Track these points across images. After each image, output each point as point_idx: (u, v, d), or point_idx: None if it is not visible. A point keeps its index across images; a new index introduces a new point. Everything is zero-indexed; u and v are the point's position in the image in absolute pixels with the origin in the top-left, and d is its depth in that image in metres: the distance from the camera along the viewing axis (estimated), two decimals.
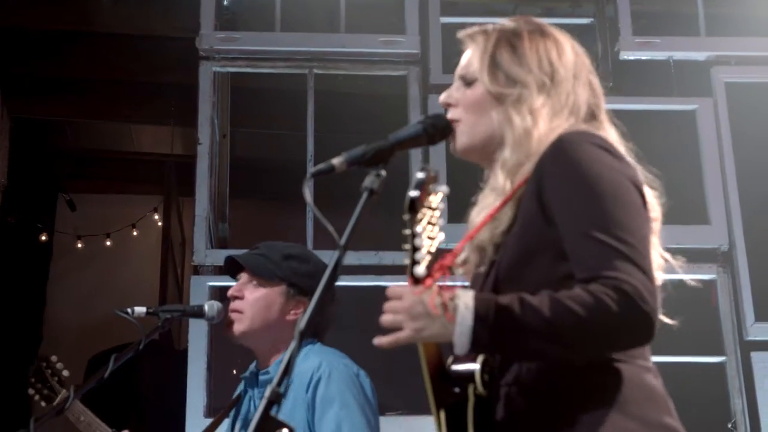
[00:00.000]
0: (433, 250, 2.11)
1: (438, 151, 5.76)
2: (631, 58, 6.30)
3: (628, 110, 6.07)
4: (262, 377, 3.61)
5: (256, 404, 3.62)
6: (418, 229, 2.11)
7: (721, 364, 5.80)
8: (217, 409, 5.68)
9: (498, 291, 2.27)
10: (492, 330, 2.10)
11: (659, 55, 6.34)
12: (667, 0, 6.88)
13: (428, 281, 2.13)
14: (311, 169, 2.24)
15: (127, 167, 10.92)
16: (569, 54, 2.50)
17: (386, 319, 2.19)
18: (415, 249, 2.11)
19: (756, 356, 5.76)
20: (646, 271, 2.12)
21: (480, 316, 2.10)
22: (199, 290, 5.71)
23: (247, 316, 3.61)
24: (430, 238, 2.12)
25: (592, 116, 2.47)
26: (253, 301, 3.62)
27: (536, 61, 2.45)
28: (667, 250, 2.45)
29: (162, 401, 4.27)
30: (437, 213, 2.16)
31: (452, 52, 2.60)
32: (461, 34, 2.59)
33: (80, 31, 7.66)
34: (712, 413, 5.86)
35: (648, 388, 2.22)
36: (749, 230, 5.95)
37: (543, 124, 2.37)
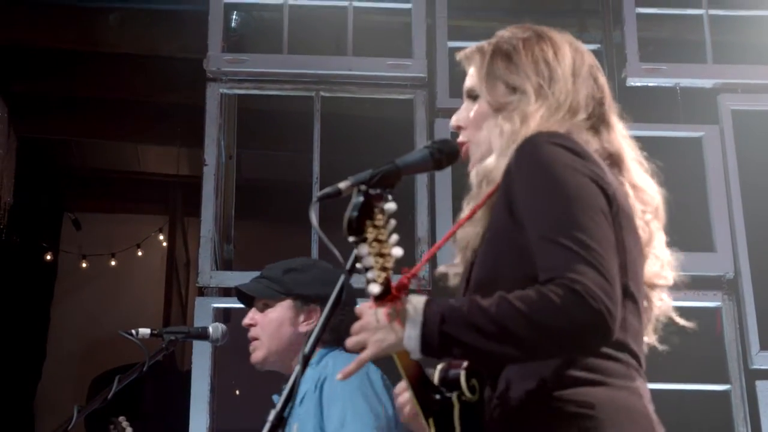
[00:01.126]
0: (388, 265, 2.07)
1: (443, 172, 5.78)
2: (638, 84, 6.31)
3: (635, 136, 6.06)
4: (278, 397, 3.59)
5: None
6: (363, 250, 2.08)
7: (725, 393, 5.78)
8: (220, 431, 5.68)
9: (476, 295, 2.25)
10: (440, 332, 2.08)
11: (666, 82, 6.34)
12: (675, 27, 6.88)
13: (388, 299, 2.11)
14: (317, 192, 2.25)
15: (133, 187, 10.94)
16: (567, 52, 2.47)
17: (350, 341, 2.21)
18: (367, 269, 2.08)
19: (761, 385, 5.74)
20: (603, 272, 2.07)
21: (428, 320, 2.09)
22: (204, 312, 5.71)
23: (263, 342, 3.64)
24: (381, 255, 2.08)
25: (595, 113, 2.44)
26: (265, 325, 3.65)
27: (532, 65, 2.43)
28: (672, 278, 2.44)
29: (165, 422, 4.26)
30: (388, 229, 2.11)
31: (459, 76, 2.59)
32: (459, 55, 2.59)
33: (87, 51, 7.69)
34: None
35: (630, 411, 2.18)
36: (755, 258, 5.94)
37: (533, 126, 2.34)
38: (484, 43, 2.54)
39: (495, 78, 2.46)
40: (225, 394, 5.77)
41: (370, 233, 2.05)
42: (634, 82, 6.29)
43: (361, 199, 2.07)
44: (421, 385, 2.23)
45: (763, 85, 6.31)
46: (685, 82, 6.34)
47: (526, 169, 2.23)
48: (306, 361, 2.06)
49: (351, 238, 2.05)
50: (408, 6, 6.39)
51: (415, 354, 2.11)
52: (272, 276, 3.70)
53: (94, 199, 11.02)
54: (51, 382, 10.12)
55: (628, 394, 2.20)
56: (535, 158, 2.23)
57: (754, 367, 5.78)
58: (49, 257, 10.66)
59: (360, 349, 2.18)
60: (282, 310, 3.65)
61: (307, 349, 2.09)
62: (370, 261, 2.06)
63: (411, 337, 2.09)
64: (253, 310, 3.70)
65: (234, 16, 6.69)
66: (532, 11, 6.94)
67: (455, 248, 2.45)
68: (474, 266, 2.35)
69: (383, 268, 2.08)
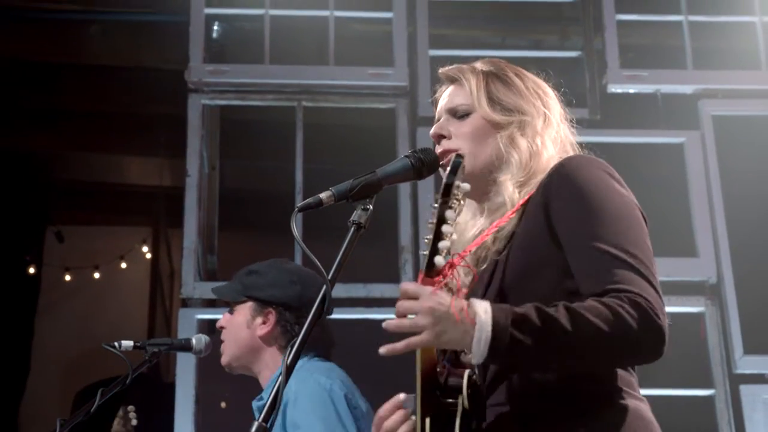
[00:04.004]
0: (449, 245, 2.08)
1: (426, 181, 5.78)
2: (619, 91, 6.33)
3: (616, 143, 6.09)
4: (256, 403, 3.56)
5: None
6: (449, 214, 2.09)
7: (710, 397, 5.80)
8: None
9: (502, 300, 2.27)
10: (511, 339, 2.06)
11: (647, 88, 6.36)
12: (655, 33, 6.91)
13: (440, 276, 2.11)
14: (299, 203, 2.25)
15: (116, 199, 10.89)
16: (551, 93, 2.58)
17: (403, 323, 2.07)
18: (438, 238, 2.07)
19: (745, 389, 5.76)
20: (657, 288, 2.15)
21: (498, 325, 2.06)
22: (188, 323, 5.70)
23: (227, 345, 3.64)
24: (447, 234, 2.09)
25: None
26: (228, 327, 3.64)
27: (529, 92, 2.52)
28: None
29: None
30: (461, 207, 2.15)
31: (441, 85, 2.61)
32: (446, 70, 2.62)
33: (69, 63, 7.68)
34: None
35: (647, 421, 2.23)
36: (737, 263, 5.95)
37: (550, 145, 2.46)
38: (474, 65, 2.59)
39: (493, 99, 2.51)
40: (210, 406, 5.74)
41: (453, 204, 2.09)
42: (615, 88, 6.30)
43: (460, 161, 2.11)
44: (430, 385, 2.21)
45: (744, 90, 6.34)
46: (666, 88, 6.37)
47: (573, 188, 2.28)
48: (289, 372, 2.06)
49: (436, 204, 2.07)
50: (389, 15, 6.40)
51: (477, 358, 2.08)
52: (237, 279, 3.70)
53: (76, 212, 10.98)
54: (35, 396, 10.08)
55: (641, 404, 2.26)
56: (582, 178, 2.29)
57: (738, 371, 5.80)
58: (32, 270, 10.61)
59: (405, 330, 2.07)
60: (242, 313, 3.63)
61: (289, 360, 2.09)
62: (448, 229, 2.07)
63: (480, 340, 2.05)
64: (226, 312, 3.71)
65: (215, 27, 6.69)
66: (514, 20, 6.96)
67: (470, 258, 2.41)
68: (497, 270, 2.35)
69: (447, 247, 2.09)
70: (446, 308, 2.04)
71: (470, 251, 2.33)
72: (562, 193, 2.28)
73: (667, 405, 5.68)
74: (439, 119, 2.58)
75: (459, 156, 2.17)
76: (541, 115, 2.49)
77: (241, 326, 3.61)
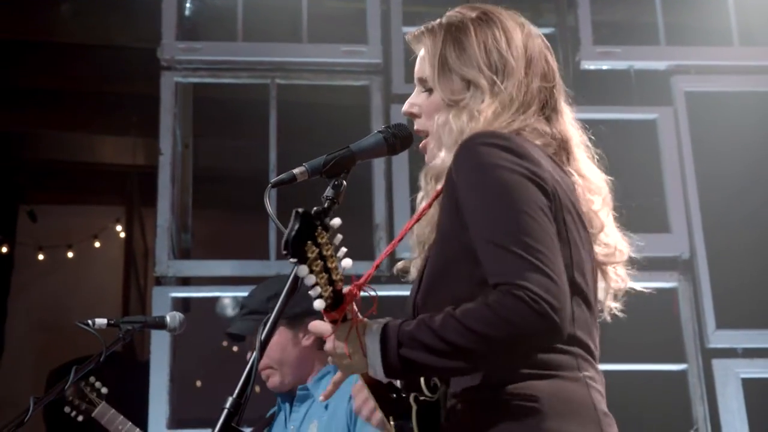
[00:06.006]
0: (336, 278, 2.05)
1: (400, 159, 5.80)
2: (592, 67, 6.35)
3: (589, 119, 6.10)
4: (300, 392, 3.76)
5: (290, 419, 3.80)
6: (302, 271, 2.03)
7: (682, 372, 5.83)
8: (180, 421, 5.67)
9: (423, 301, 2.30)
10: (399, 357, 2.12)
11: (620, 65, 6.38)
12: (628, 9, 6.92)
13: (332, 315, 2.14)
14: (272, 179, 2.24)
15: (89, 178, 10.84)
16: (519, 38, 2.44)
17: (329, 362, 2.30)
18: (311, 287, 2.05)
19: (717, 363, 5.81)
20: (548, 272, 2.08)
21: (388, 348, 2.13)
22: (162, 301, 5.70)
23: (274, 370, 3.79)
24: (326, 270, 2.04)
25: (547, 103, 2.44)
26: (271, 354, 3.74)
27: (485, 56, 2.40)
28: (628, 258, 2.46)
29: (124, 412, 4.24)
30: (334, 244, 2.05)
31: (415, 62, 2.58)
32: (408, 36, 2.56)
33: (40, 41, 7.63)
34: (674, 420, 5.89)
35: (574, 402, 2.20)
36: (710, 238, 5.99)
37: (481, 124, 2.34)
38: (433, 24, 2.50)
39: (448, 71, 2.42)
40: (184, 384, 5.74)
41: (312, 252, 2.01)
42: (588, 65, 6.32)
43: (297, 225, 2.00)
44: (381, 388, 2.24)
45: (716, 66, 6.37)
46: (639, 64, 6.39)
47: (464, 172, 2.23)
48: (263, 347, 2.06)
49: (291, 260, 2.02)
50: None
51: (383, 379, 2.16)
52: (258, 308, 3.78)
53: (49, 191, 10.93)
54: (9, 375, 10.04)
55: (574, 385, 2.22)
56: (471, 161, 2.22)
57: (711, 346, 5.84)
58: (5, 250, 10.56)
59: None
60: (280, 336, 3.76)
61: (263, 336, 2.10)
62: (311, 279, 2.03)
63: (375, 366, 2.13)
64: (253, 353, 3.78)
65: (188, 4, 6.65)
66: None
67: (413, 242, 2.45)
68: (426, 265, 2.35)
69: (330, 282, 2.06)
70: (340, 349, 2.18)
71: (370, 275, 2.27)
72: (460, 180, 2.23)
73: (640, 379, 5.72)
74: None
75: (299, 215, 2.02)
76: (492, 84, 2.38)
77: (285, 348, 3.77)
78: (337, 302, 2.10)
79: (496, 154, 2.21)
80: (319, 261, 2.02)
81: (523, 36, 2.45)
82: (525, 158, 2.22)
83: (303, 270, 2.01)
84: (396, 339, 2.12)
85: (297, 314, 3.69)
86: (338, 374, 2.25)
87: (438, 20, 2.50)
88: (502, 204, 2.16)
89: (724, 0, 6.56)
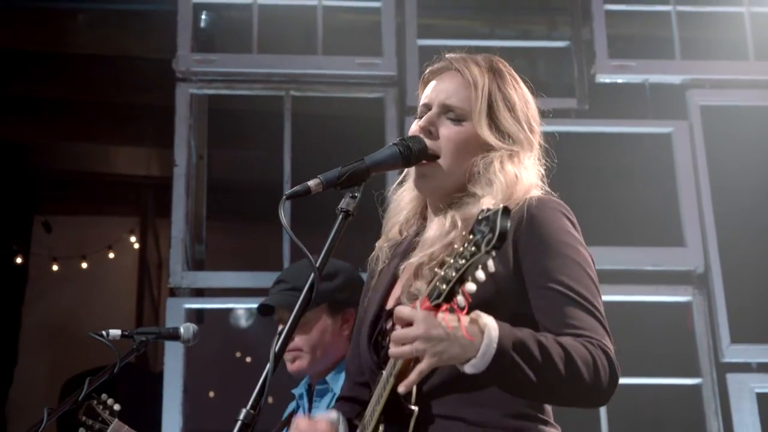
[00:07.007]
0: (473, 289, 2.06)
1: None
2: (607, 80, 6.33)
3: (604, 133, 6.10)
4: (319, 387, 3.71)
5: (311, 414, 3.69)
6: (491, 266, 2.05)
7: (697, 386, 5.81)
8: None
9: None
10: (511, 362, 2.13)
11: (635, 78, 6.37)
12: (643, 23, 6.91)
13: (443, 306, 2.09)
14: (287, 191, 2.24)
15: (104, 189, 10.88)
16: (536, 115, 2.59)
17: (403, 350, 2.13)
18: (463, 279, 2.05)
19: (732, 378, 5.78)
20: (609, 334, 2.28)
21: (502, 345, 2.12)
22: (176, 312, 5.70)
23: (305, 352, 3.73)
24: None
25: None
26: (308, 336, 3.71)
27: (524, 116, 2.52)
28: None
29: (137, 423, 4.24)
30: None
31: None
32: (454, 58, 2.60)
33: (56, 52, 7.65)
34: None
35: None
36: (725, 252, 5.97)
37: (532, 177, 2.47)
38: (478, 59, 2.57)
39: (494, 118, 2.50)
40: (198, 395, 5.74)
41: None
42: (603, 78, 6.31)
43: (508, 221, 2.01)
44: (396, 393, 2.23)
45: (731, 80, 6.36)
46: (654, 78, 6.38)
47: (540, 230, 2.34)
48: (277, 360, 2.06)
49: (493, 251, 2.01)
50: (377, 5, 6.39)
51: (473, 369, 2.12)
52: (302, 286, 3.73)
53: (64, 202, 10.96)
54: (24, 385, 10.07)
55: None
56: (546, 221, 2.35)
57: (725, 360, 5.81)
58: (19, 260, 10.59)
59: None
60: (321, 319, 3.74)
61: (277, 347, 2.09)
62: (480, 275, 2.05)
63: (485, 355, 2.10)
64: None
65: (203, 16, 6.67)
66: (502, 9, 6.96)
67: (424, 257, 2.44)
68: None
69: (461, 280, 2.05)
70: (442, 328, 2.08)
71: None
72: (530, 233, 2.33)
73: (654, 394, 5.70)
74: (428, 105, 2.56)
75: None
76: (530, 148, 2.51)
77: (324, 333, 3.73)
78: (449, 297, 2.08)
79: (565, 222, 2.39)
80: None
81: (536, 111, 2.60)
82: (578, 229, 2.43)
83: (492, 265, 2.03)
84: (512, 342, 2.13)
85: (340, 302, 3.69)
86: (425, 363, 2.09)
87: (479, 58, 2.59)
88: (577, 266, 2.33)
89: (739, 14, 6.56)
